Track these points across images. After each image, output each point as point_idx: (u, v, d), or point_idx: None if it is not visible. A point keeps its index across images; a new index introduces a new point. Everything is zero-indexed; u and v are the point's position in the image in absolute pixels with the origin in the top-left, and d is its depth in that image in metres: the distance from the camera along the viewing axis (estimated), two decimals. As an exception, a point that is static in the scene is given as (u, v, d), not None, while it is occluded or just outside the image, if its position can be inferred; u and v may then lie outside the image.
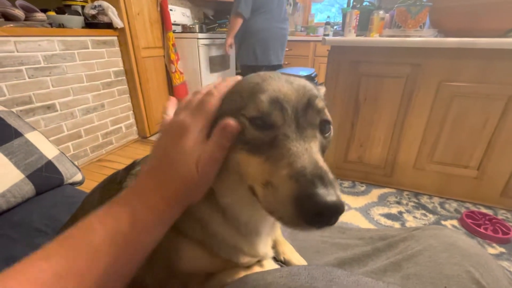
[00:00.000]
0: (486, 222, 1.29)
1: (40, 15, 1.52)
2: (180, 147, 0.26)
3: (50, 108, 1.64)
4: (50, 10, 1.65)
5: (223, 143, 0.27)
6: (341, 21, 3.34)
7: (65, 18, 1.68)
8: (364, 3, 1.46)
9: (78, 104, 1.81)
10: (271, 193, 0.24)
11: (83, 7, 1.83)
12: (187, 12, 2.89)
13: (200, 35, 2.34)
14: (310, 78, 2.02)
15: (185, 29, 2.49)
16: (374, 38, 1.31)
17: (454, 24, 1.26)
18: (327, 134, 0.29)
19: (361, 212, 1.42)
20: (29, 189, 0.70)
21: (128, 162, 1.77)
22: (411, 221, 1.36)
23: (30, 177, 0.71)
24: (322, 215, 0.21)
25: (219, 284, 0.33)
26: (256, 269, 0.35)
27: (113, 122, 2.11)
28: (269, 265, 0.37)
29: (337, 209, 0.21)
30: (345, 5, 3.45)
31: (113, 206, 0.26)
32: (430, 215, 1.40)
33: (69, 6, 1.79)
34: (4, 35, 1.37)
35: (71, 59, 1.71)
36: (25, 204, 0.70)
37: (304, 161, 0.23)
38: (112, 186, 0.43)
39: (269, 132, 0.26)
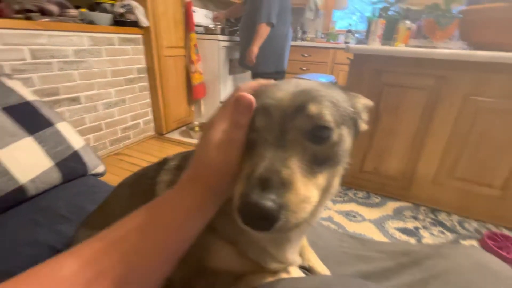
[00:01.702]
0: (509, 245, 1.23)
1: (73, 11, 1.59)
2: (206, 138, 0.29)
3: (75, 100, 1.70)
4: (82, 7, 1.72)
5: (238, 120, 0.28)
6: (362, 29, 3.32)
7: (95, 15, 1.75)
8: (390, 13, 1.44)
9: (101, 98, 1.87)
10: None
11: (112, 5, 1.89)
12: (210, 14, 2.94)
13: (221, 37, 2.37)
14: (329, 85, 2.00)
15: (208, 30, 2.54)
16: (400, 48, 1.29)
17: (484, 37, 1.23)
18: (323, 142, 0.27)
19: (375, 224, 1.38)
20: (56, 176, 0.73)
21: (144, 157, 1.80)
22: (427, 238, 1.31)
23: (58, 165, 0.73)
24: (251, 217, 0.22)
25: None
26: (283, 275, 0.35)
27: (132, 118, 2.16)
28: (295, 272, 0.36)
29: (261, 213, 0.21)
30: (367, 13, 3.42)
31: (164, 197, 0.29)
32: (448, 233, 1.35)
33: (99, 4, 1.86)
34: (39, 29, 1.44)
35: (98, 54, 1.77)
36: (52, 190, 0.73)
37: (261, 164, 0.24)
38: (144, 181, 0.44)
39: (253, 135, 0.27)
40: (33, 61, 1.44)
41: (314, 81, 0.31)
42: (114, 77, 1.93)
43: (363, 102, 0.33)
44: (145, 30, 2.03)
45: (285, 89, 0.28)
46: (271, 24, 1.97)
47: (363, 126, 0.32)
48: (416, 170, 1.50)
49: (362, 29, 3.36)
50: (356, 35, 3.08)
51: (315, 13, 3.24)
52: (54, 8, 1.52)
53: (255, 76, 2.34)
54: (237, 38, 2.57)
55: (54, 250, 0.57)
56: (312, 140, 0.26)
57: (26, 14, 1.41)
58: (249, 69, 2.32)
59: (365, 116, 0.33)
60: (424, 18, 1.27)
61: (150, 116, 2.34)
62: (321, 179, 0.26)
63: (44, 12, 1.49)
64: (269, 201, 0.21)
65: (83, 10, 1.72)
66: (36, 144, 0.70)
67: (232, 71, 2.61)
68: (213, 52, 2.39)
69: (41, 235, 0.60)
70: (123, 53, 1.95)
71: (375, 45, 1.38)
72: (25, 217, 0.64)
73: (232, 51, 2.53)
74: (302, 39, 3.33)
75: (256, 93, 0.30)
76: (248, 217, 0.22)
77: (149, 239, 0.25)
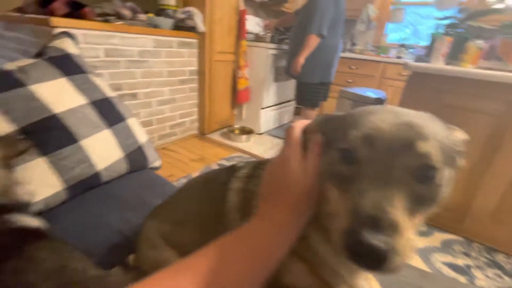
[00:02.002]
0: None
1: (142, 16, 1.75)
2: (288, 167, 0.32)
3: (134, 96, 1.86)
4: (150, 12, 1.89)
5: (314, 149, 0.33)
6: (415, 43, 3.14)
7: (160, 20, 1.90)
8: (459, 30, 1.34)
9: (156, 95, 2.02)
10: (333, 223, 0.26)
11: (174, 11, 2.04)
12: (260, 22, 3.02)
13: (270, 45, 2.41)
14: (379, 102, 1.93)
15: (258, 38, 2.60)
16: (470, 69, 1.19)
17: None
18: (428, 182, 0.26)
19: (420, 255, 1.28)
20: (124, 167, 0.81)
21: (187, 154, 1.88)
22: (481, 280, 1.18)
23: (127, 157, 0.81)
24: (361, 255, 0.22)
25: None
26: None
27: (180, 116, 2.30)
28: (362, 297, 0.36)
29: (375, 254, 0.21)
30: (420, 26, 3.22)
31: (255, 220, 0.32)
32: (507, 278, 1.20)
33: (164, 10, 2.02)
34: (114, 31, 1.61)
35: (158, 55, 1.92)
36: (119, 179, 0.81)
37: (368, 201, 0.23)
38: (214, 186, 0.46)
39: (352, 167, 0.26)
40: (106, 59, 1.61)
41: (411, 111, 0.30)
42: (169, 77, 2.07)
43: (461, 136, 0.31)
44: (201, 35, 2.15)
45: (387, 120, 0.27)
46: (321, 36, 1.96)
47: (462, 163, 0.31)
48: (473, 203, 1.36)
49: (414, 43, 3.18)
50: (410, 50, 2.92)
51: (367, 25, 3.14)
52: (127, 13, 1.69)
53: (300, 85, 2.34)
54: (285, 47, 2.59)
55: (123, 236, 0.63)
56: (417, 179, 0.25)
57: (105, 17, 1.59)
58: (295, 78, 2.32)
59: (463, 152, 0.31)
60: (500, 38, 1.16)
61: (195, 116, 2.47)
62: (418, 219, 0.26)
63: (119, 16, 1.67)
64: (382, 243, 0.21)
65: (151, 15, 1.88)
66: (112, 136, 0.78)
67: (277, 78, 2.64)
68: (261, 59, 2.45)
69: (112, 220, 0.66)
70: (179, 56, 2.09)
71: (439, 64, 1.30)
72: (98, 201, 0.71)
73: (278, 59, 2.56)
74: (351, 51, 3.25)
75: (350, 119, 0.30)
76: (358, 255, 0.22)
77: (247, 268, 0.28)
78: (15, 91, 0.63)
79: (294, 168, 0.32)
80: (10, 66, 0.69)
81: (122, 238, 0.63)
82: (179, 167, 1.91)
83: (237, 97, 2.55)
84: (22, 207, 0.48)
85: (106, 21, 1.59)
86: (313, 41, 1.98)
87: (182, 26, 2.04)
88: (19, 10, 1.61)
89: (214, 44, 2.20)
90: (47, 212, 0.64)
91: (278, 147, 2.46)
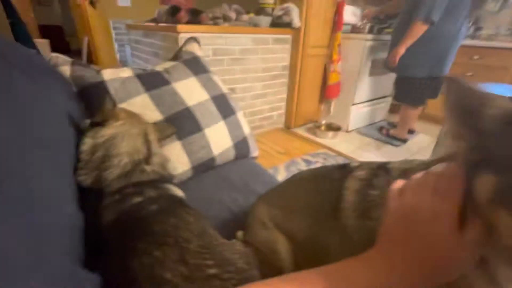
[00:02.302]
0: None
1: (245, 17, 1.91)
2: (436, 227, 0.25)
3: (233, 91, 2.06)
4: (251, 12, 2.04)
5: (453, 194, 0.25)
6: None
7: (259, 18, 2.02)
8: None
9: (250, 90, 2.18)
10: None
11: (273, 9, 2.13)
12: (358, 11, 2.81)
13: (368, 36, 2.23)
14: (515, 100, 1.52)
15: (355, 29, 2.44)
16: None
17: None
18: None
19: None
20: (232, 154, 0.93)
21: (273, 146, 1.95)
22: None
23: (235, 145, 0.93)
24: None
25: None
26: None
27: (269, 110, 2.42)
28: None
29: None
30: None
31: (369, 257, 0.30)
32: None
33: (263, 8, 2.13)
34: (220, 32, 1.81)
35: (255, 53, 2.06)
36: (227, 165, 0.93)
37: None
38: (327, 181, 0.49)
39: None
40: (213, 58, 1.84)
41: None
42: (263, 73, 2.20)
43: None
44: (295, 31, 2.18)
45: None
46: (430, 22, 1.67)
47: None
48: None
49: None
50: None
51: (501, 4, 2.50)
52: (232, 15, 1.87)
53: (401, 80, 2.09)
54: (385, 37, 2.35)
55: (232, 212, 0.74)
56: None
57: (214, 20, 1.81)
58: (395, 72, 2.09)
59: None
60: None
61: (282, 110, 2.54)
62: None
63: (225, 18, 1.86)
64: None
65: (251, 14, 2.03)
66: (225, 127, 0.90)
67: (372, 72, 2.43)
68: (356, 52, 2.29)
69: (223, 197, 0.78)
70: (273, 52, 2.18)
71: None
72: (213, 180, 0.85)
73: (376, 51, 2.34)
74: (473, 37, 2.66)
75: None
76: None
77: None
78: (164, 88, 0.81)
79: (444, 235, 0.25)
80: (158, 68, 0.89)
81: (231, 214, 0.74)
82: (266, 158, 2.03)
83: (326, 92, 2.48)
84: (171, 178, 0.62)
85: (215, 24, 1.80)
86: (418, 29, 1.72)
87: (278, 23, 2.11)
88: (154, 20, 2.01)
89: (308, 38, 2.20)
90: (178, 185, 0.81)
91: (366, 146, 2.29)
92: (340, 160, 2.02)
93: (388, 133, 2.40)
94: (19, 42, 0.65)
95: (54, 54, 0.77)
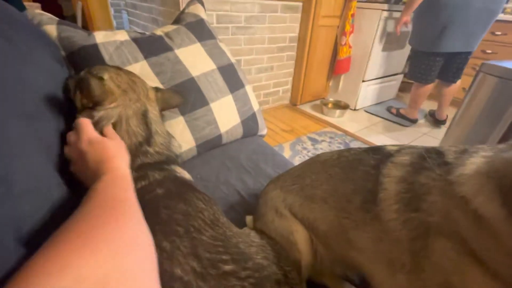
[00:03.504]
0: None
1: (252, -21, 1.72)
2: None
3: (237, 63, 1.93)
4: (259, -26, 1.84)
5: None
6: None
7: (268, -18, 1.84)
8: None
9: (255, 63, 2.05)
10: None
11: (283, -29, 1.93)
12: (374, -23, 2.57)
13: (387, 6, 2.05)
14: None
15: (370, -3, 2.25)
16: None
17: None
18: None
19: None
20: (240, 132, 0.85)
21: (277, 123, 1.86)
22: None
23: (243, 122, 0.85)
24: None
25: None
26: None
27: (274, 85, 2.30)
28: None
29: None
30: None
31: None
32: None
33: (272, -30, 1.93)
34: (226, -4, 1.65)
35: (262, 21, 1.90)
36: (235, 143, 0.86)
37: None
38: (361, 167, 0.42)
39: None
40: (217, 25, 1.69)
41: None
42: (269, 44, 2.05)
43: None
44: (307, -3, 1.99)
45: None
46: None
47: None
48: None
49: None
50: None
51: (534, -28, 2.26)
52: (239, -23, 1.68)
53: (415, 54, 1.96)
54: (401, 9, 2.16)
55: (241, 196, 0.68)
56: None
57: (219, -18, 1.64)
58: (411, 45, 1.98)
59: None
60: None
61: (289, 86, 2.42)
62: None
63: (231, -19, 1.68)
64: None
65: (260, -23, 1.83)
66: (233, 102, 0.82)
67: (386, 47, 2.27)
68: (371, 24, 2.12)
69: (231, 179, 0.72)
70: (281, 21, 2.02)
71: None
72: (219, 159, 0.78)
73: (392, 23, 2.17)
74: (497, 10, 2.46)
75: None
76: None
77: None
78: (165, 54, 0.71)
79: None
80: (158, 32, 0.78)
81: (240, 198, 0.68)
82: (270, 136, 1.95)
83: (336, 67, 2.35)
84: (176, 159, 0.55)
85: (220, -14, 1.63)
86: None
87: (288, -12, 1.93)
88: (152, -19, 1.82)
89: (319, 7, 2.02)
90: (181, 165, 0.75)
91: (374, 126, 2.21)
92: (347, 140, 1.95)
93: (398, 112, 2.31)
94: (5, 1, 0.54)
95: (38, 11, 0.67)
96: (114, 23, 3.55)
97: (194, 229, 0.38)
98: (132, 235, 0.28)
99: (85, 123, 0.43)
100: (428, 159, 0.35)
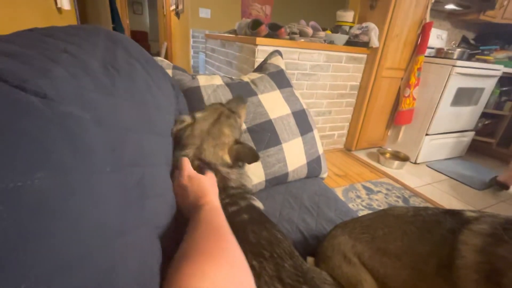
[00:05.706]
0: None
1: (321, 34, 1.89)
2: None
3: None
4: (328, 29, 2.02)
5: None
6: None
7: (335, 36, 1.99)
8: None
9: (315, 106, 2.14)
10: None
11: (350, 27, 2.08)
12: (444, 34, 2.56)
13: (459, 62, 1.99)
14: None
15: (440, 53, 2.23)
16: None
17: None
18: None
19: None
20: (304, 172, 0.90)
21: (331, 167, 1.85)
22: None
23: (308, 164, 0.90)
24: None
25: None
26: None
27: (330, 128, 2.33)
28: None
29: None
30: None
31: None
32: None
33: (340, 26, 2.09)
34: (296, 47, 1.83)
35: (326, 69, 2.02)
36: (298, 182, 0.90)
37: None
38: (437, 230, 0.42)
39: None
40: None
41: None
42: (330, 91, 2.14)
43: None
44: (372, 50, 2.07)
45: None
46: None
47: None
48: None
49: None
50: None
51: None
52: (309, 31, 1.87)
53: None
54: (475, 65, 2.08)
55: (303, 235, 0.70)
56: None
57: (291, 35, 1.84)
58: None
59: None
60: None
61: (345, 131, 2.43)
62: None
63: (302, 34, 1.88)
64: None
65: (328, 32, 2.00)
66: (302, 144, 0.88)
67: (456, 102, 2.16)
68: (439, 78, 2.07)
69: (293, 217, 0.75)
70: (344, 70, 2.11)
71: None
72: (284, 196, 0.82)
73: (465, 79, 2.08)
74: None
75: None
76: None
77: None
78: (250, 98, 0.83)
79: None
80: (245, 78, 0.92)
81: (302, 237, 0.70)
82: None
83: (396, 117, 2.29)
84: (251, 190, 0.62)
85: (292, 39, 1.83)
86: None
87: (355, 42, 2.05)
88: (233, 32, 2.13)
89: (384, 59, 2.07)
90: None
91: (439, 184, 2.02)
92: (406, 195, 1.82)
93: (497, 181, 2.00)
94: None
95: (159, 58, 0.86)
96: (192, 62, 4.14)
97: (277, 256, 0.42)
98: (239, 253, 0.34)
99: (186, 161, 0.52)
100: (509, 231, 0.35)
